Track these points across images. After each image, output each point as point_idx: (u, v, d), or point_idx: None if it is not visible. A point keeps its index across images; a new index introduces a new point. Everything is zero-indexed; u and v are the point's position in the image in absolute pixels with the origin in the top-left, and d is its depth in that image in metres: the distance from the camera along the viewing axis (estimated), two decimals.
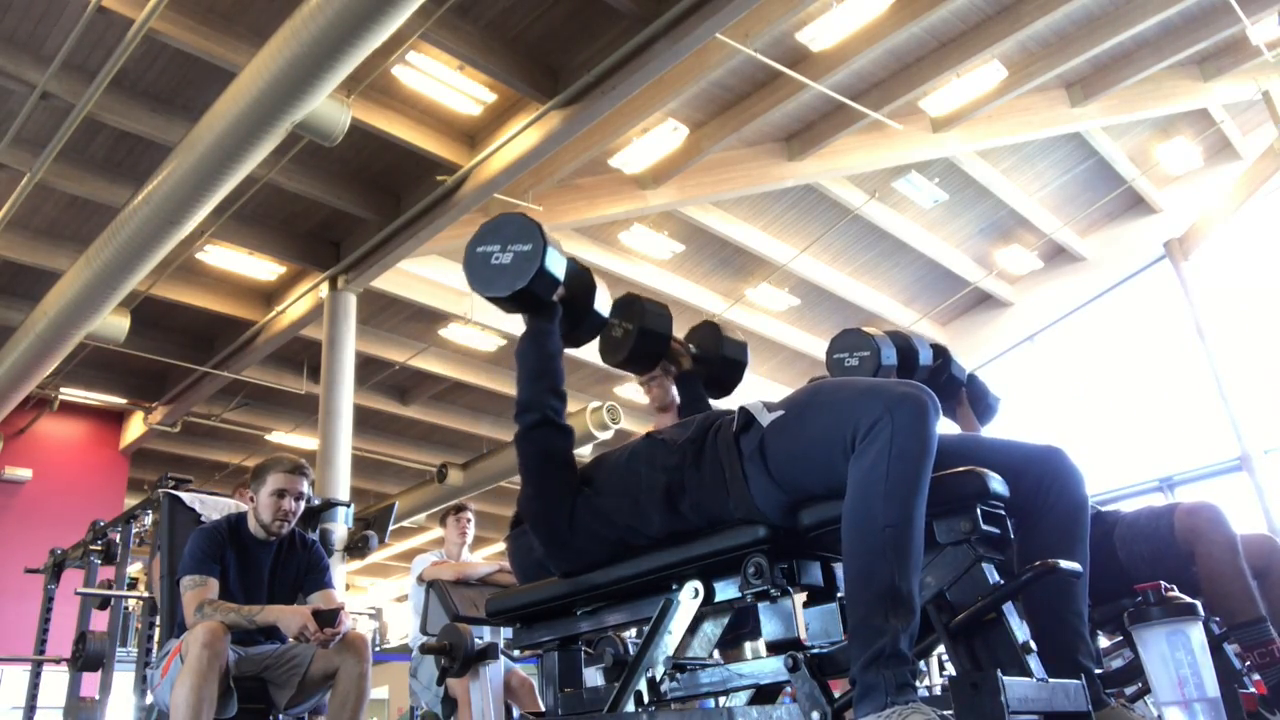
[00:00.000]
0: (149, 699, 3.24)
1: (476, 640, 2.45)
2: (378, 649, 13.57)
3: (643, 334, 1.95)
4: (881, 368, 2.26)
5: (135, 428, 11.50)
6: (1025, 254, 11.13)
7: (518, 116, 7.25)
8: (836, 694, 1.35)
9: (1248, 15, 7.55)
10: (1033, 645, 1.35)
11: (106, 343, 8.49)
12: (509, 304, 1.73)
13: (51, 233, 8.39)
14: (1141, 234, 10.92)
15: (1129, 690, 2.14)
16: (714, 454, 1.53)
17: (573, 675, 1.77)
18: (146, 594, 4.04)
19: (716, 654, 2.08)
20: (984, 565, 1.37)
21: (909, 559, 1.29)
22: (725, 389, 2.23)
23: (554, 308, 1.77)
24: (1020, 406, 11.94)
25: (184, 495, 3.31)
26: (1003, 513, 1.43)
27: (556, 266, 1.68)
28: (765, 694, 1.63)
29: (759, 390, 10.57)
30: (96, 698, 4.41)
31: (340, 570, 6.57)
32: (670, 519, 1.56)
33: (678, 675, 1.58)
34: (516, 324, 1.77)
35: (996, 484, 1.42)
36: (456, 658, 2.40)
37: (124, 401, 11.22)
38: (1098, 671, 1.59)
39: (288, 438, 12.12)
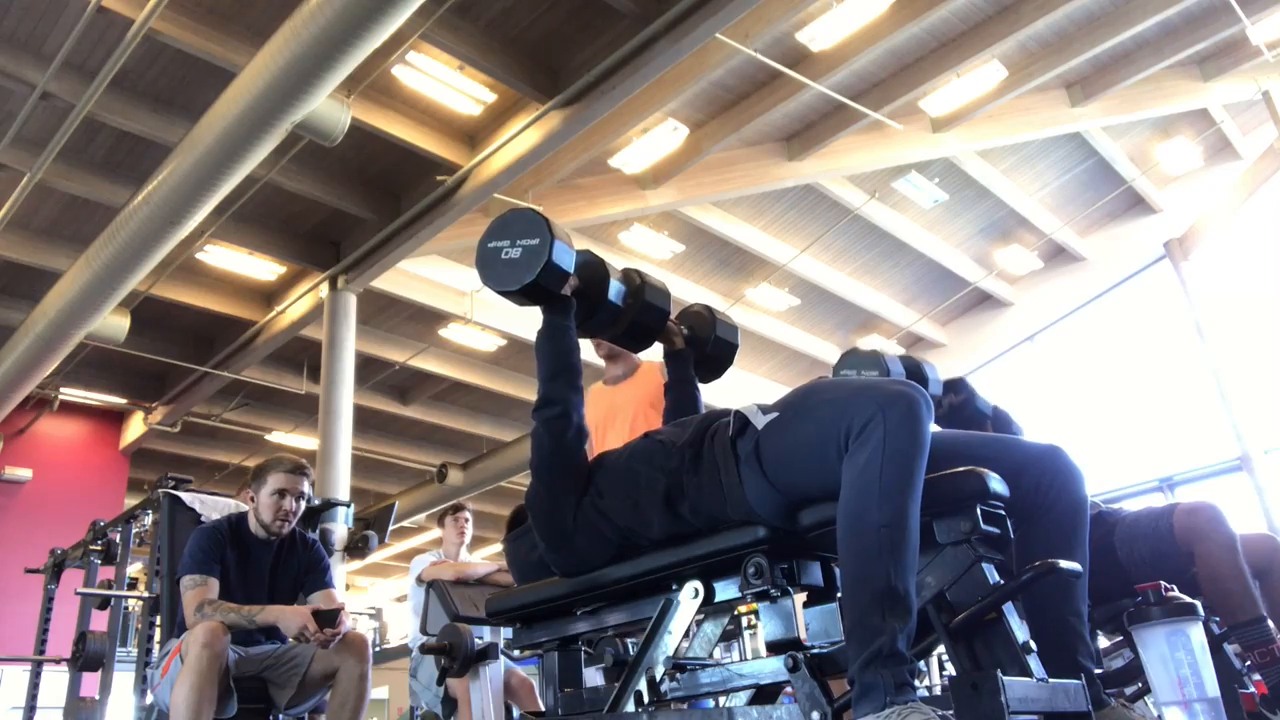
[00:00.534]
0: (149, 699, 3.24)
1: (476, 640, 2.46)
2: (377, 649, 13.58)
3: (643, 308, 1.94)
4: None
5: (135, 428, 11.50)
6: (1025, 254, 11.13)
7: (518, 116, 7.26)
8: (836, 694, 1.35)
9: (1248, 15, 7.55)
10: (1033, 645, 1.35)
11: (106, 343, 8.49)
12: (521, 298, 1.74)
13: (51, 233, 8.39)
14: (1141, 234, 10.92)
15: (1129, 690, 2.14)
16: (711, 458, 1.53)
17: (573, 675, 1.77)
18: (146, 594, 4.04)
19: (717, 653, 2.08)
20: (984, 565, 1.37)
21: (905, 558, 1.29)
22: (715, 371, 2.22)
23: (567, 301, 1.77)
24: (1020, 406, 11.94)
25: (184, 495, 3.31)
26: (1003, 512, 1.43)
27: (564, 259, 1.69)
28: (765, 694, 1.63)
29: (758, 390, 10.59)
30: (96, 698, 4.41)
31: (340, 570, 6.58)
32: (670, 522, 1.56)
33: (678, 675, 1.58)
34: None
35: (996, 484, 1.41)
36: (456, 658, 2.40)
37: (124, 401, 11.22)
38: (1098, 671, 1.59)
39: (288, 438, 12.12)
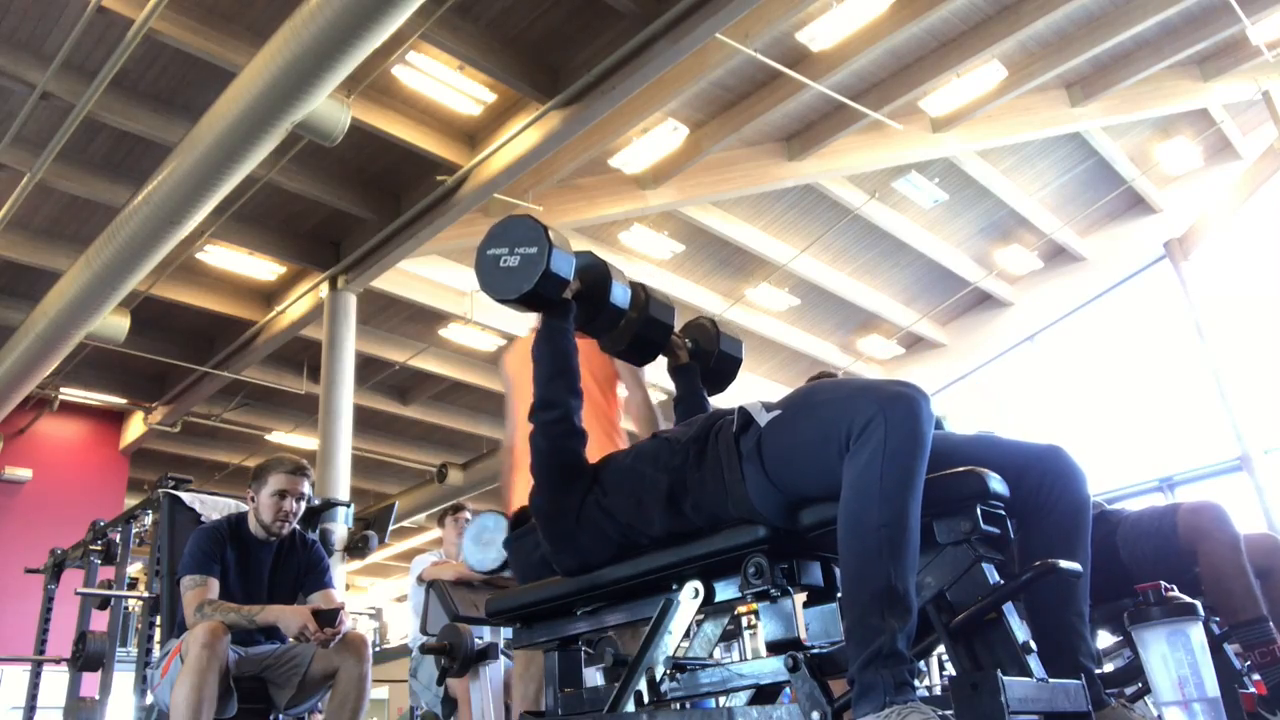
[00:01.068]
0: (149, 699, 3.24)
1: (476, 640, 2.46)
2: (377, 649, 13.57)
3: (646, 323, 1.93)
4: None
5: (135, 428, 11.50)
6: (1025, 254, 11.13)
7: (518, 116, 7.26)
8: (836, 694, 1.35)
9: (1248, 15, 7.55)
10: (1033, 645, 1.35)
11: (106, 343, 8.49)
12: (519, 306, 1.74)
13: (51, 233, 8.39)
14: (1141, 234, 10.92)
15: (1129, 690, 2.14)
16: (714, 454, 1.53)
17: (573, 675, 1.77)
18: (146, 594, 4.04)
19: (717, 653, 2.08)
20: (984, 565, 1.36)
21: (905, 558, 1.29)
22: (720, 384, 2.22)
23: (567, 305, 1.77)
24: (1020, 406, 11.96)
25: (184, 495, 3.32)
26: (1003, 513, 1.43)
27: (563, 267, 1.69)
28: (765, 694, 1.63)
29: (758, 390, 10.57)
30: (96, 698, 4.41)
31: (340, 570, 6.57)
32: (672, 519, 1.56)
33: (678, 675, 1.58)
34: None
35: (996, 484, 1.41)
36: (456, 658, 2.40)
37: (124, 401, 11.22)
38: (1098, 671, 1.59)
39: (288, 438, 12.12)
